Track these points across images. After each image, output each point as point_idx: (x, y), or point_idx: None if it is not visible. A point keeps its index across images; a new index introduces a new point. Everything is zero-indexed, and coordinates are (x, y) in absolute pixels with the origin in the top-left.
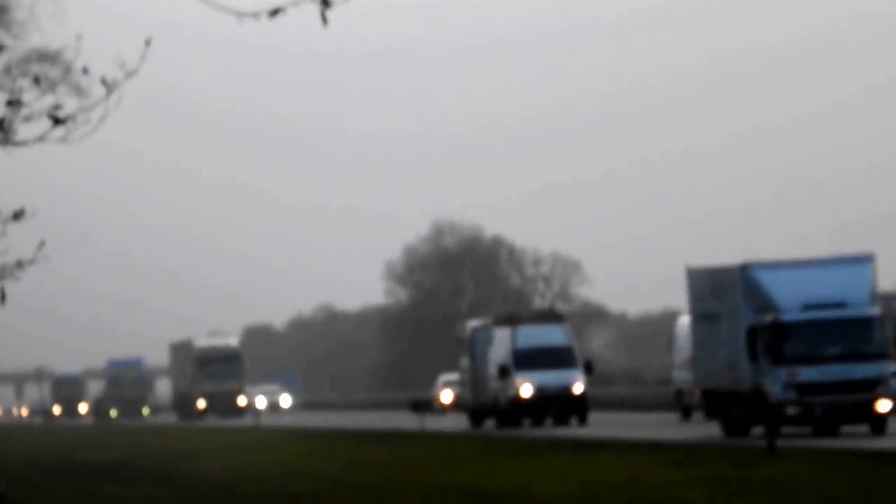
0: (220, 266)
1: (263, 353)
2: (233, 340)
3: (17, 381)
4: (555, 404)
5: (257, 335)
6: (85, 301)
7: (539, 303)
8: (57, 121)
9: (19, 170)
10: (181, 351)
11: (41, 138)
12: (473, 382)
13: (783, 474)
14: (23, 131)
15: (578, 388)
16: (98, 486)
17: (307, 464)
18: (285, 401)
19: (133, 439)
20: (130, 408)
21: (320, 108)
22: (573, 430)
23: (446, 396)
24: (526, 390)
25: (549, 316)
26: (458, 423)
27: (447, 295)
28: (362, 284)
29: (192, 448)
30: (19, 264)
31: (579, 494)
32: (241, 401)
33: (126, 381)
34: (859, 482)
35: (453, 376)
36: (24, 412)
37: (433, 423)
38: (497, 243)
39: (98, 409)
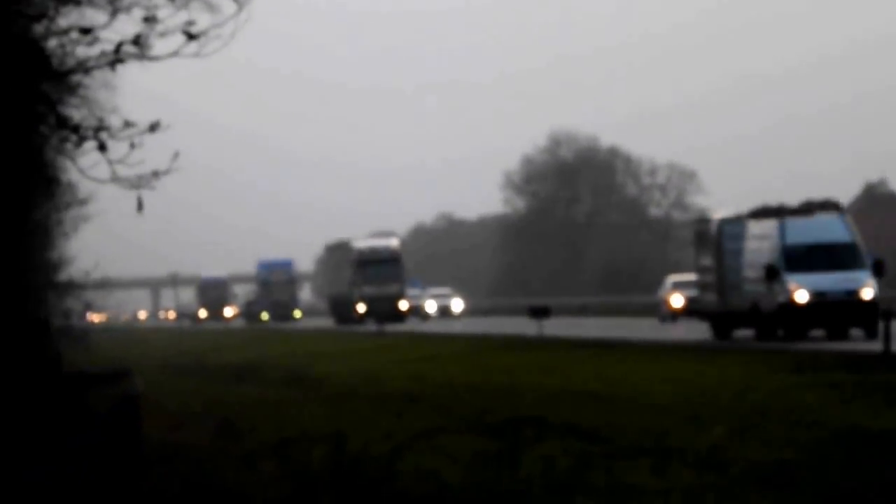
0: (348, 180)
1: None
2: (393, 242)
3: (153, 286)
4: (837, 313)
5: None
6: (218, 208)
7: (655, 211)
8: (190, 36)
9: (157, 84)
10: (338, 253)
11: (175, 53)
12: (721, 285)
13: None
14: (157, 47)
15: (868, 292)
16: (229, 387)
17: (430, 368)
18: (457, 305)
19: (276, 342)
20: (281, 310)
21: (446, 57)
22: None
23: (676, 300)
24: (801, 295)
25: (825, 205)
26: (693, 331)
27: (564, 204)
28: (481, 195)
29: (326, 351)
30: (155, 174)
31: (695, 399)
32: (403, 305)
33: (277, 284)
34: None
35: (685, 277)
36: (172, 315)
37: (663, 330)
38: (613, 153)
39: (249, 312)
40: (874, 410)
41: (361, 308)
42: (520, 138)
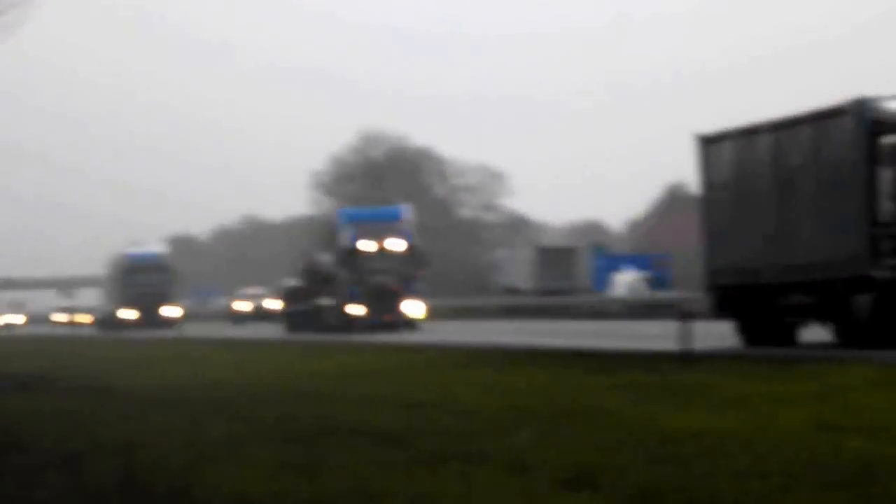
0: (145, 173)
1: (187, 263)
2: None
3: None
4: None
5: (181, 244)
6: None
7: (464, 213)
8: None
9: None
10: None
11: None
12: None
13: (695, 380)
14: None
15: None
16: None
17: (231, 375)
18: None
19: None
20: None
21: (258, 40)
22: None
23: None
24: None
25: None
26: None
27: (373, 205)
28: (287, 195)
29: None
30: None
31: (502, 403)
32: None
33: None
34: (769, 386)
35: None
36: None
37: None
38: (423, 154)
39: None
40: (673, 410)
41: None
42: (329, 137)
